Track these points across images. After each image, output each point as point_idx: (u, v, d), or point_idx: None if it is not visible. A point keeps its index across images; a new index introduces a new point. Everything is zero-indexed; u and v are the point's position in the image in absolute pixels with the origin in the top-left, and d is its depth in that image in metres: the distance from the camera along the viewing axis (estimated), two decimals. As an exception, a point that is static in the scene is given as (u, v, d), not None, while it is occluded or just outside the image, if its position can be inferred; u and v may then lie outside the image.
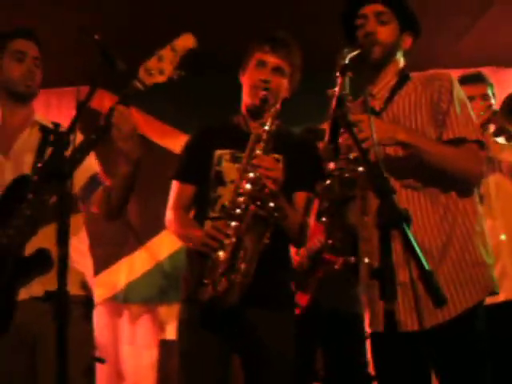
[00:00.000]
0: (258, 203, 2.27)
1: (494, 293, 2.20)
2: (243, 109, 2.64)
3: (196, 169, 2.59)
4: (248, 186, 2.31)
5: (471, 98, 3.01)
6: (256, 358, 2.44)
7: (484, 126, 3.11)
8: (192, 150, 2.67)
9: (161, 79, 2.19)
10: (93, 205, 2.54)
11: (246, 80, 2.61)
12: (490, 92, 3.28)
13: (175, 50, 2.19)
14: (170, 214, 2.61)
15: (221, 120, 2.73)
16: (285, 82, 2.56)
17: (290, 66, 2.57)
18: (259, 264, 2.28)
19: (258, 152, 2.37)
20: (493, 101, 3.26)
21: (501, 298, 2.93)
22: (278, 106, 2.43)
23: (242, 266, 2.26)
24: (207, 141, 2.61)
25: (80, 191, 2.53)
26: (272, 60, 2.53)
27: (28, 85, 2.58)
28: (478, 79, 3.28)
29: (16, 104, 2.61)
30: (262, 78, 2.51)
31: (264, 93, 2.47)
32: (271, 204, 2.25)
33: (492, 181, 3.12)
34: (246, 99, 2.60)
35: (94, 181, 2.54)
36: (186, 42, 2.20)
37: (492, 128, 3.22)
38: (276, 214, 2.26)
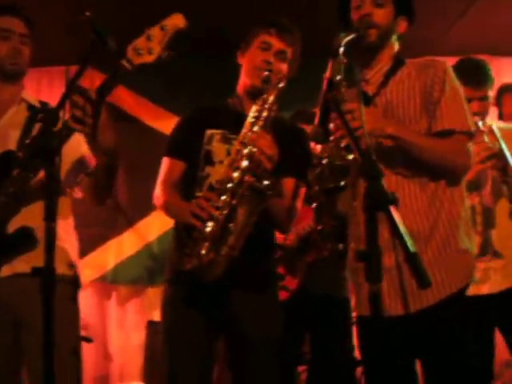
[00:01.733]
0: (254, 177, 2.26)
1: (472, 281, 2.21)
2: (240, 90, 2.62)
3: (187, 146, 2.57)
4: (245, 163, 2.29)
5: (469, 100, 2.88)
6: (240, 340, 2.45)
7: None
8: (184, 128, 2.66)
9: (149, 59, 2.13)
10: (79, 190, 2.52)
11: (246, 61, 2.58)
12: (490, 91, 3.12)
13: (165, 29, 2.14)
14: (158, 190, 2.59)
15: (215, 102, 2.72)
16: (285, 68, 2.54)
17: (292, 53, 2.56)
18: (244, 246, 2.27)
19: (256, 129, 2.36)
20: (490, 93, 3.14)
21: (485, 290, 2.96)
22: (282, 83, 2.40)
23: (231, 238, 2.24)
24: (199, 120, 2.61)
25: (66, 174, 2.49)
26: (277, 43, 2.52)
27: (14, 62, 2.55)
28: (480, 83, 3.07)
29: (4, 81, 2.58)
30: (265, 59, 2.50)
31: (267, 73, 2.45)
32: (266, 182, 2.24)
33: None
34: (246, 80, 2.58)
35: (80, 164, 2.50)
36: (175, 21, 2.16)
37: None
38: (270, 192, 2.25)
